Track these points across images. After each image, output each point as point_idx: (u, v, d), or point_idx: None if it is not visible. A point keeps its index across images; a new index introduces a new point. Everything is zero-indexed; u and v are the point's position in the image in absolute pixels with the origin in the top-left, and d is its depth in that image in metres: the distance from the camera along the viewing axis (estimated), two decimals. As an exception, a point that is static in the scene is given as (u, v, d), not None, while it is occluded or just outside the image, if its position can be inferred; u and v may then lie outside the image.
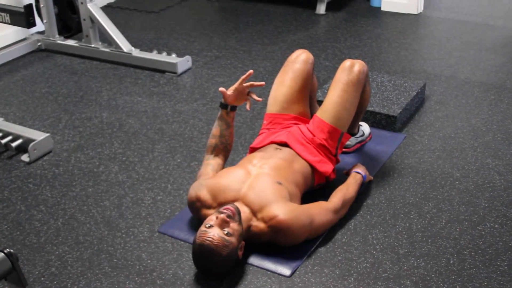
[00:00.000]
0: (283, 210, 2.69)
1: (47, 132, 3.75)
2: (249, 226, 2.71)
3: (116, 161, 3.55)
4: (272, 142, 3.13)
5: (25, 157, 3.59)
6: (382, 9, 5.85)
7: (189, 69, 4.70)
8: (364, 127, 3.61)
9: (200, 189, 2.85)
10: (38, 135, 3.64)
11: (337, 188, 3.01)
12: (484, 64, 4.65)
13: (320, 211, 2.83)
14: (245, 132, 3.77)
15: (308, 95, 3.32)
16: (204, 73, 4.63)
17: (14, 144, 3.61)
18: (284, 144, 3.09)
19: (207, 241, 2.53)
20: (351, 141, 3.51)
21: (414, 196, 3.16)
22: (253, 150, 3.19)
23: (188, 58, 4.71)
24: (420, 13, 5.77)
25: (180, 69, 4.62)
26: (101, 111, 4.12)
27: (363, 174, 3.15)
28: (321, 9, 5.80)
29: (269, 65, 4.71)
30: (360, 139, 3.56)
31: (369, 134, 3.64)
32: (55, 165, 3.54)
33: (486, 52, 4.86)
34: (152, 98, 4.27)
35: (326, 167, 3.07)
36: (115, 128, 3.90)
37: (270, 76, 4.52)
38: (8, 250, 2.00)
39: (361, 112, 3.32)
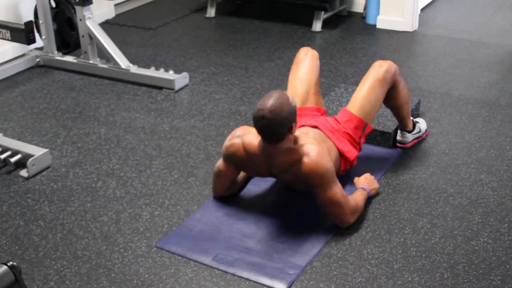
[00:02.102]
0: (320, 149, 2.97)
1: (46, 148, 3.78)
2: (288, 148, 2.96)
3: (114, 177, 3.58)
4: (303, 125, 3.33)
5: (23, 172, 3.62)
6: (378, 26, 5.91)
7: (186, 85, 4.75)
8: (421, 124, 3.88)
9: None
10: (36, 151, 3.67)
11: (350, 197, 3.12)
12: (478, 81, 4.70)
13: (342, 191, 3.02)
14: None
15: (319, 87, 3.61)
16: (201, 90, 4.67)
17: (13, 160, 3.64)
18: (315, 128, 3.31)
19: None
20: (407, 137, 3.75)
21: (409, 212, 3.20)
22: None
23: (185, 74, 4.76)
24: (415, 30, 5.83)
25: (177, 86, 4.67)
26: (99, 127, 4.15)
27: (368, 190, 3.25)
28: (317, 26, 5.86)
29: (266, 82, 4.76)
30: (416, 135, 3.80)
31: (426, 130, 3.91)
32: (53, 180, 3.57)
33: (480, 70, 4.91)
34: (150, 114, 4.31)
35: (351, 152, 3.31)
36: (113, 144, 3.94)
37: (267, 92, 4.53)
38: (11, 262, 2.02)
39: (403, 106, 3.58)
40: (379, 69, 3.39)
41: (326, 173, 2.93)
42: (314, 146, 2.96)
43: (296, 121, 2.94)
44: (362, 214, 3.17)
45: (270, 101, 2.86)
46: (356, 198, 3.13)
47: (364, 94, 3.37)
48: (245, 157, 3.09)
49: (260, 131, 2.92)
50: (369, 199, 3.27)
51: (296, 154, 2.94)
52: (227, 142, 3.16)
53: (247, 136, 3.08)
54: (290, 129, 2.90)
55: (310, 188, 3.03)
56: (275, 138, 2.91)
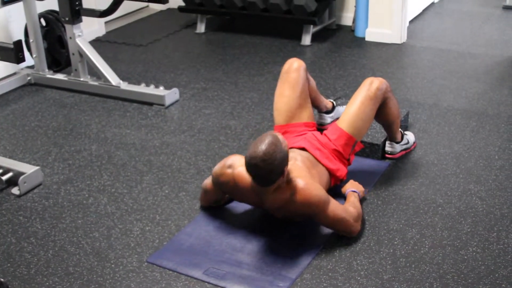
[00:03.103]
0: (305, 179, 2.97)
1: (37, 165, 3.80)
2: (277, 187, 2.95)
3: (105, 193, 3.60)
4: (291, 148, 3.33)
5: (15, 190, 3.63)
6: (367, 39, 5.96)
7: (176, 101, 4.77)
8: (409, 136, 3.91)
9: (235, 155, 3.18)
10: (28, 168, 3.68)
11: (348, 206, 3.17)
12: (466, 91, 4.74)
13: (339, 205, 3.05)
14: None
15: (308, 97, 3.58)
16: (191, 105, 4.70)
17: (4, 178, 3.65)
18: (302, 149, 3.31)
19: (270, 135, 2.87)
20: (396, 148, 3.78)
21: (398, 223, 3.22)
22: None
23: (175, 90, 4.78)
24: (404, 42, 5.87)
25: (167, 102, 4.69)
26: (90, 143, 4.17)
27: (357, 191, 3.31)
28: (306, 40, 5.90)
29: (256, 96, 4.79)
30: (404, 146, 3.84)
31: (414, 142, 3.94)
32: (45, 197, 3.58)
33: (468, 80, 4.95)
34: (141, 130, 4.33)
35: (342, 171, 3.34)
36: (104, 160, 3.96)
37: (256, 107, 4.59)
38: (-2, 279, 2.05)
39: (394, 122, 3.64)
40: (370, 87, 3.39)
41: (320, 200, 2.96)
42: (300, 178, 2.96)
43: (288, 163, 2.91)
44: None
45: (263, 148, 2.80)
46: (354, 203, 3.18)
47: (355, 111, 3.37)
48: (236, 188, 3.10)
49: (252, 177, 2.91)
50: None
51: (286, 193, 2.95)
52: (217, 170, 3.16)
53: (239, 169, 3.06)
54: (282, 173, 2.89)
55: (310, 218, 3.08)
56: (267, 183, 2.90)
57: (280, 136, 2.89)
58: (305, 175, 3.03)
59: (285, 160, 2.86)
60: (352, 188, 3.32)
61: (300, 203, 2.94)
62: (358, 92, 3.42)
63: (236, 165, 3.08)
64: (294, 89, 3.50)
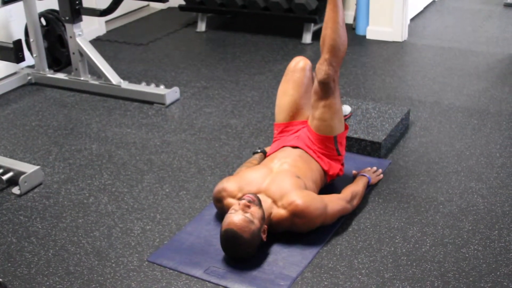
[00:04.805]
0: (300, 195, 2.99)
1: (38, 165, 3.79)
2: (270, 214, 3.00)
3: (105, 192, 3.59)
4: (284, 147, 3.38)
5: (16, 190, 3.63)
6: (368, 37, 5.95)
7: (177, 100, 4.77)
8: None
9: (228, 181, 3.18)
10: (28, 168, 3.68)
11: (346, 186, 3.30)
12: (467, 89, 4.73)
13: (333, 199, 3.15)
14: (232, 161, 3.83)
15: (311, 97, 3.51)
16: (192, 104, 4.69)
17: (5, 177, 3.64)
18: (296, 148, 3.35)
19: (231, 225, 2.82)
20: None
21: (399, 221, 3.21)
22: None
23: (176, 89, 4.78)
24: (405, 40, 5.86)
25: (168, 100, 4.68)
26: (91, 143, 4.17)
27: (368, 176, 3.43)
28: (307, 38, 5.89)
29: (257, 95, 4.78)
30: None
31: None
32: (45, 197, 3.58)
33: (469, 78, 4.94)
34: (141, 129, 4.32)
35: (334, 168, 3.37)
36: (104, 159, 3.95)
37: (257, 105, 4.59)
38: (-2, 280, 2.04)
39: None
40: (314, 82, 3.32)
41: (321, 212, 3.03)
42: (297, 197, 2.97)
43: (265, 223, 2.94)
44: (352, 224, 3.19)
45: (233, 250, 2.90)
46: (354, 185, 3.32)
47: (317, 114, 3.30)
48: None
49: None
50: (358, 209, 3.30)
51: (287, 219, 3.00)
52: (215, 193, 3.18)
53: (228, 201, 3.12)
54: (262, 234, 2.93)
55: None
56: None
57: (240, 227, 2.83)
58: (295, 184, 3.06)
59: (256, 235, 2.87)
60: (364, 172, 3.46)
61: (305, 224, 3.02)
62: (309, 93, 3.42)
63: (224, 198, 3.14)
64: (298, 89, 3.47)
